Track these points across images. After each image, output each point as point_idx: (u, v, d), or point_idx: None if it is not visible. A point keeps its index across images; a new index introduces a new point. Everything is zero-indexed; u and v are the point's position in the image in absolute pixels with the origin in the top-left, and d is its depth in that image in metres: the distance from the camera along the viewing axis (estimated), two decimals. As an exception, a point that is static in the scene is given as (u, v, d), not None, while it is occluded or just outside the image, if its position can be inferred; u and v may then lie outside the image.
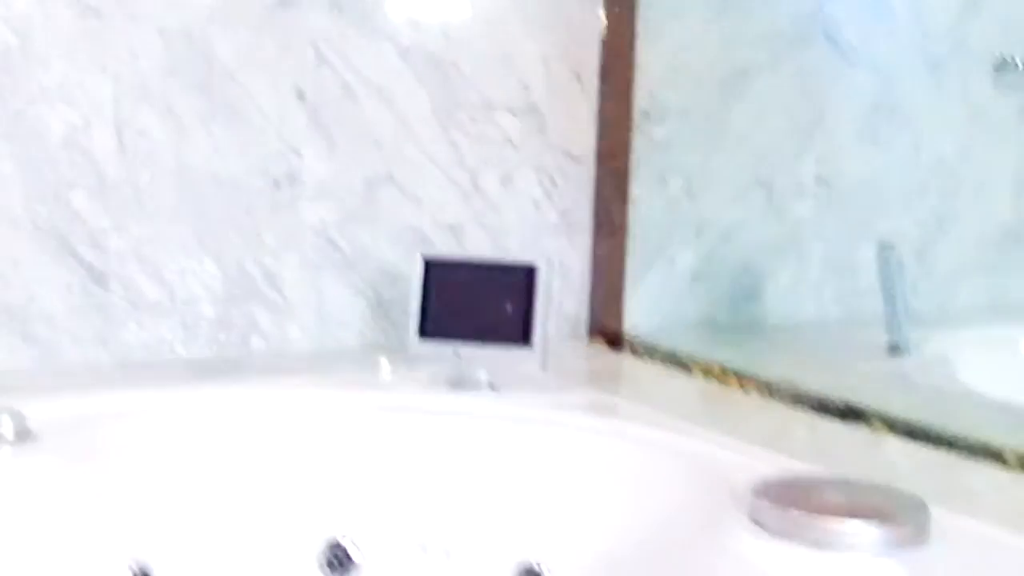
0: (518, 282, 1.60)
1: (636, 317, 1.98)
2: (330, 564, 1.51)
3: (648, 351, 1.88)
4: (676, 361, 1.82)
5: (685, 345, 1.86)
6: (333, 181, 1.77)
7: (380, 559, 1.51)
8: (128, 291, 1.64)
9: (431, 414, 1.56)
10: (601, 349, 1.95)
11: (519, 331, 1.59)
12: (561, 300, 1.96)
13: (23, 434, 1.34)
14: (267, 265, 1.74)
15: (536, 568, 1.45)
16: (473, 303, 1.63)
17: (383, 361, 1.66)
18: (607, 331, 1.97)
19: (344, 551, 1.51)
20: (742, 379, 1.68)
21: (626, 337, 1.95)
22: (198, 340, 1.70)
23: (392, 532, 1.51)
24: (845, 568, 1.05)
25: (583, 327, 2.00)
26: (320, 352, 1.78)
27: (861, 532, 1.04)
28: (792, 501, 1.10)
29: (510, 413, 1.55)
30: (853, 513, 1.06)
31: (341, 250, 1.79)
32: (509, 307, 1.60)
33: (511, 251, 1.89)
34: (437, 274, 1.63)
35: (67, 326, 1.61)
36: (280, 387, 1.61)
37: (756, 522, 1.13)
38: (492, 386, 1.61)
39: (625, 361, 1.89)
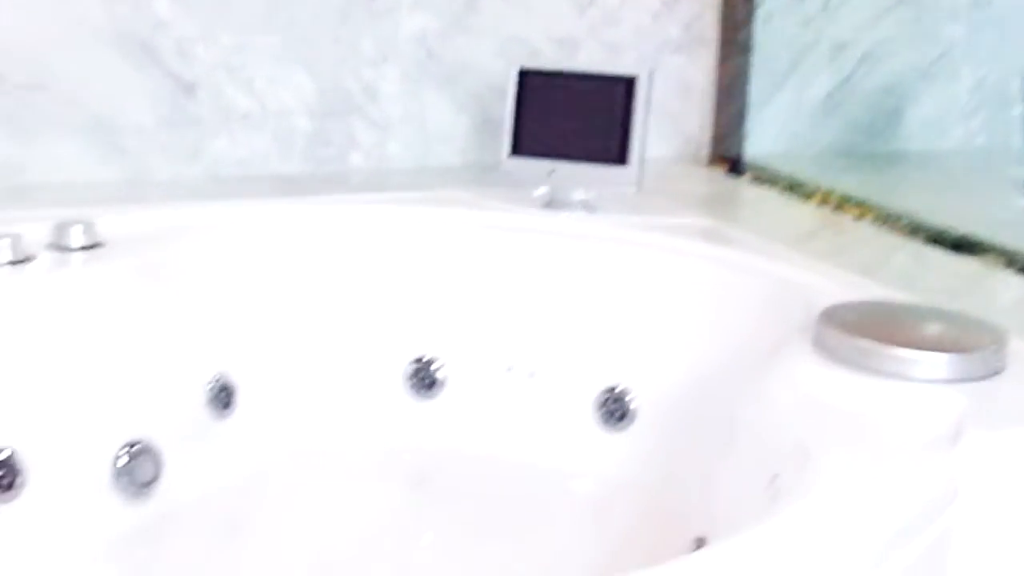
0: (617, 96, 1.49)
1: (760, 142, 1.85)
2: (416, 383, 1.47)
3: (768, 177, 1.75)
4: (796, 188, 1.69)
5: (809, 172, 1.73)
6: (433, -14, 1.68)
7: (465, 379, 1.47)
8: (218, 103, 1.60)
9: (522, 233, 1.49)
10: (719, 174, 1.83)
11: (615, 149, 1.49)
12: (680, 121, 1.85)
13: (96, 244, 1.32)
14: (365, 77, 1.67)
15: (618, 391, 1.39)
16: (570, 118, 1.53)
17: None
18: (728, 155, 1.85)
19: (430, 370, 1.48)
20: (861, 208, 1.55)
21: (747, 162, 1.82)
22: (293, 155, 1.65)
23: (478, 352, 1.46)
24: (904, 397, 0.96)
25: (704, 150, 1.88)
26: (420, 169, 1.71)
27: (926, 361, 0.96)
28: (858, 328, 1.02)
29: (601, 233, 1.46)
30: (923, 342, 0.98)
31: (442, 62, 1.70)
32: (606, 122, 1.50)
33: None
34: (533, 87, 1.53)
35: (156, 138, 1.57)
36: (374, 204, 1.55)
37: (820, 348, 1.04)
38: (587, 206, 1.52)
39: (741, 187, 1.77)
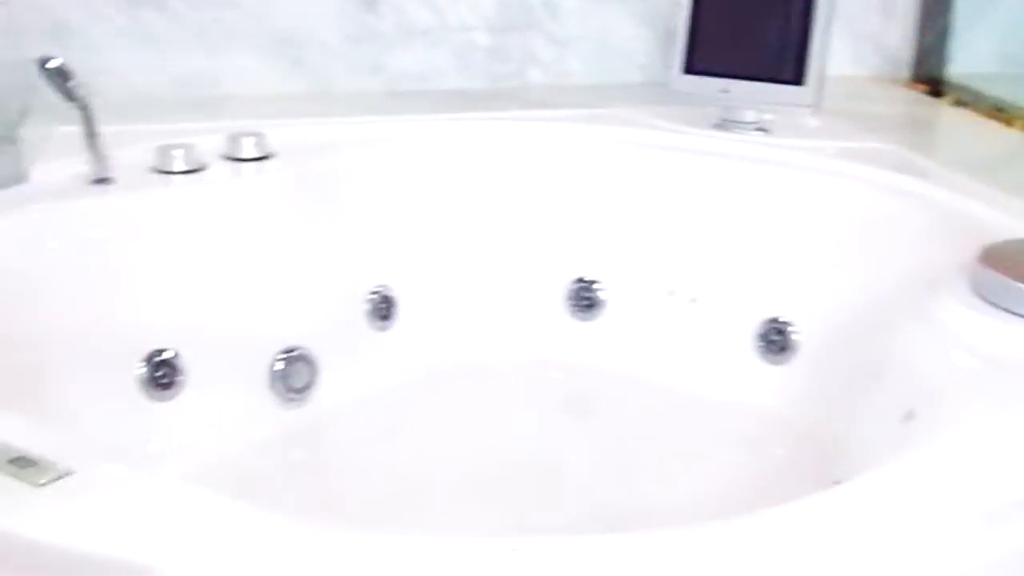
0: (794, 9, 1.42)
1: (967, 61, 1.74)
2: (576, 303, 1.48)
3: (971, 100, 1.64)
4: (1000, 112, 1.58)
5: (1018, 96, 1.62)
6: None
7: (626, 301, 1.46)
8: (399, 18, 1.62)
9: (691, 154, 1.46)
10: (918, 96, 1.73)
11: (792, 67, 1.43)
12: (880, 38, 1.76)
13: (267, 156, 1.37)
14: (546, -8, 1.66)
15: (780, 322, 1.35)
16: (745, 34, 1.47)
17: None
18: (929, 76, 1.75)
19: (591, 290, 1.48)
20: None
21: (950, 83, 1.72)
22: (472, 70, 1.66)
23: (641, 275, 1.45)
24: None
25: (905, 71, 1.79)
26: (598, 86, 1.69)
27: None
28: (1015, 270, 0.95)
29: (769, 157, 1.42)
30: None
31: (631, -20, 1.67)
32: (782, 38, 1.44)
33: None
34: (709, 1, 1.48)
35: (339, 52, 1.61)
36: (544, 122, 1.54)
37: (975, 288, 0.98)
38: (761, 127, 1.48)
39: (940, 110, 1.67)
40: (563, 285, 1.48)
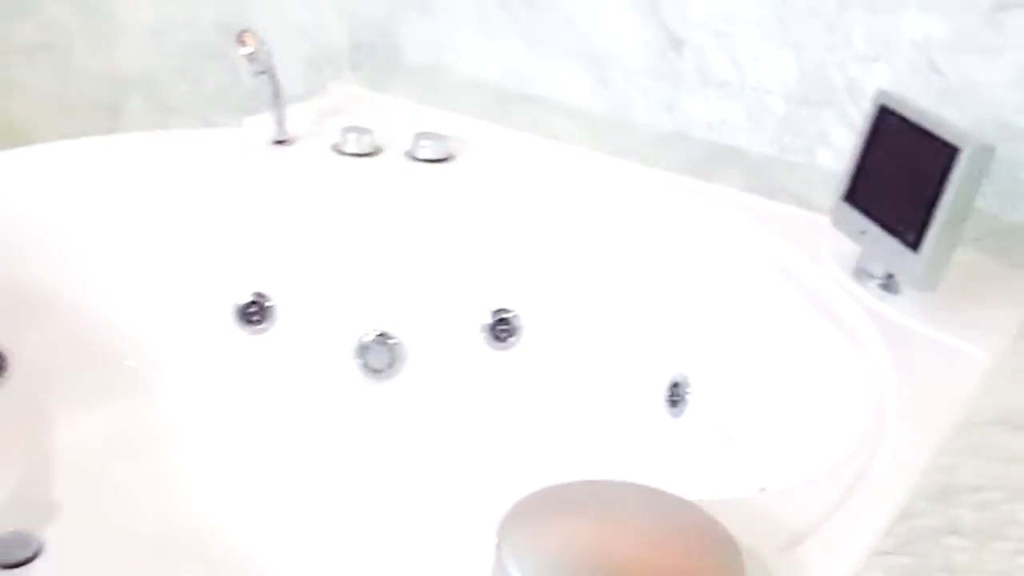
0: (936, 164, 1.15)
1: None
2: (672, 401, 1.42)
3: None
4: None
5: None
6: (950, -10, 1.39)
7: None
8: (700, 63, 1.58)
9: (818, 296, 1.28)
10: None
11: (913, 228, 1.17)
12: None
13: (446, 159, 1.53)
14: (851, 73, 1.48)
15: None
16: (896, 176, 1.22)
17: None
18: None
19: (680, 390, 1.40)
20: None
21: None
22: (761, 133, 1.57)
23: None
24: None
25: None
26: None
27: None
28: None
29: (886, 321, 1.21)
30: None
31: (943, 76, 1.42)
32: (916, 194, 1.17)
33: None
34: (886, 127, 1.25)
35: (639, 83, 1.64)
36: (725, 207, 1.45)
37: None
38: (887, 285, 1.24)
39: None
40: (661, 387, 1.42)
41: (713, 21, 1.56)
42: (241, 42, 1.47)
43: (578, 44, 1.67)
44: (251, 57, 1.47)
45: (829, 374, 1.18)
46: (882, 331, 1.18)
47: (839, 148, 1.52)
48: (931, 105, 1.42)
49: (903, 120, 1.23)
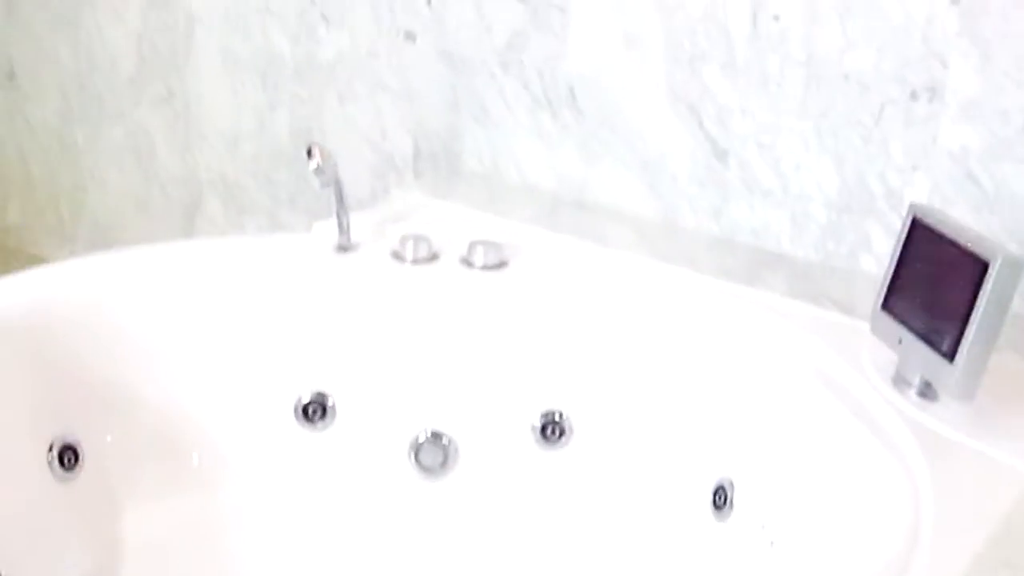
0: (968, 276, 1.20)
1: None
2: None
3: None
4: None
5: None
6: (983, 103, 1.44)
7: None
8: (745, 173, 1.64)
9: (856, 404, 1.32)
10: None
11: (948, 338, 1.21)
12: None
13: (500, 264, 1.60)
14: (890, 182, 1.53)
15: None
16: (931, 286, 1.27)
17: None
18: None
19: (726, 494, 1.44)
20: None
21: None
22: (804, 239, 1.62)
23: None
24: None
25: None
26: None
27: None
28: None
29: (923, 428, 1.24)
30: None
31: (981, 186, 1.46)
32: (950, 305, 1.22)
33: None
34: (919, 238, 1.30)
35: (686, 190, 1.70)
36: (762, 312, 1.50)
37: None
38: (924, 393, 1.28)
39: None
40: (706, 492, 1.46)
41: (756, 133, 1.62)
42: (310, 156, 1.57)
43: (628, 153, 1.74)
44: (319, 170, 1.56)
45: (867, 482, 1.22)
46: (919, 440, 1.21)
47: (881, 254, 1.56)
48: (969, 214, 1.48)
49: (935, 232, 1.27)
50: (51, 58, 2.53)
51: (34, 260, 2.68)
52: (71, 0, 2.43)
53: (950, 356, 1.21)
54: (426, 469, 1.58)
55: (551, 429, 1.57)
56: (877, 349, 1.37)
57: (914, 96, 1.49)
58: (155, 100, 2.36)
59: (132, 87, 2.40)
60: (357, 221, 1.67)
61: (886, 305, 1.34)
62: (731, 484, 1.42)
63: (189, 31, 2.25)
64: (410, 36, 1.93)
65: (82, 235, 2.64)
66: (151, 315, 1.55)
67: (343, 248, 1.63)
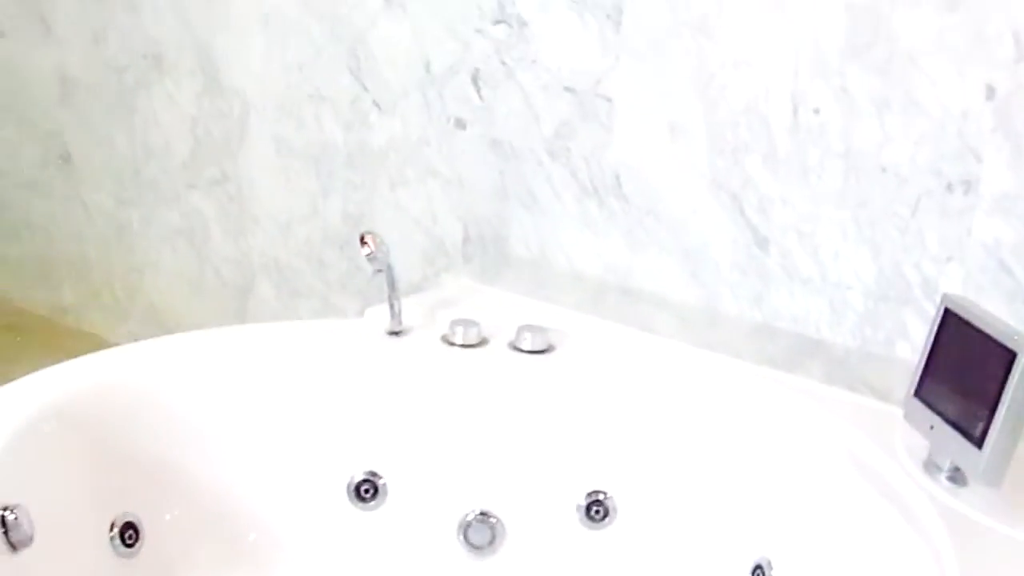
0: (996, 366, 1.24)
1: None
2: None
3: None
4: None
5: None
6: (1017, 196, 1.49)
7: None
8: (785, 260, 1.69)
9: (887, 492, 1.35)
10: None
11: (977, 425, 1.25)
12: None
13: (547, 349, 1.66)
14: (926, 272, 1.58)
15: None
16: (962, 375, 1.31)
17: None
18: None
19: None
20: None
21: None
22: (843, 326, 1.66)
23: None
24: None
25: None
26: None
27: None
28: None
29: (952, 515, 1.28)
30: None
31: (1014, 277, 1.51)
32: (980, 394, 1.26)
33: None
34: (950, 328, 1.34)
35: (728, 277, 1.75)
36: (794, 403, 1.55)
37: None
38: (954, 478, 1.31)
39: None
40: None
41: (797, 221, 1.67)
42: (363, 243, 1.63)
43: (672, 240, 1.80)
44: (371, 257, 1.63)
45: (898, 565, 1.25)
46: (948, 524, 1.24)
47: (916, 342, 1.60)
48: (1003, 304, 1.52)
49: (965, 323, 1.32)
50: (106, 142, 2.62)
51: (90, 339, 2.77)
52: (127, 85, 2.53)
53: (979, 443, 1.25)
54: (474, 548, 1.62)
55: (595, 509, 1.61)
56: (910, 435, 1.41)
57: (950, 189, 1.54)
58: (209, 184, 2.45)
59: (186, 171, 2.49)
60: (408, 306, 1.73)
61: (919, 392, 1.38)
62: (769, 564, 1.46)
63: (243, 117, 2.34)
64: (460, 124, 2.00)
65: (136, 314, 2.71)
66: (207, 398, 1.61)
67: (394, 332, 1.69)
